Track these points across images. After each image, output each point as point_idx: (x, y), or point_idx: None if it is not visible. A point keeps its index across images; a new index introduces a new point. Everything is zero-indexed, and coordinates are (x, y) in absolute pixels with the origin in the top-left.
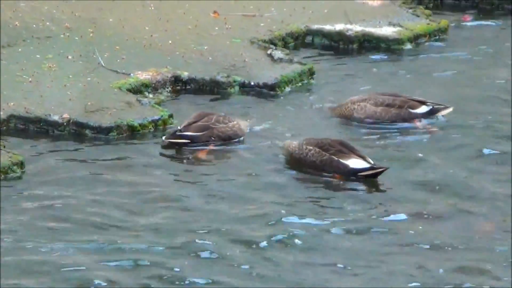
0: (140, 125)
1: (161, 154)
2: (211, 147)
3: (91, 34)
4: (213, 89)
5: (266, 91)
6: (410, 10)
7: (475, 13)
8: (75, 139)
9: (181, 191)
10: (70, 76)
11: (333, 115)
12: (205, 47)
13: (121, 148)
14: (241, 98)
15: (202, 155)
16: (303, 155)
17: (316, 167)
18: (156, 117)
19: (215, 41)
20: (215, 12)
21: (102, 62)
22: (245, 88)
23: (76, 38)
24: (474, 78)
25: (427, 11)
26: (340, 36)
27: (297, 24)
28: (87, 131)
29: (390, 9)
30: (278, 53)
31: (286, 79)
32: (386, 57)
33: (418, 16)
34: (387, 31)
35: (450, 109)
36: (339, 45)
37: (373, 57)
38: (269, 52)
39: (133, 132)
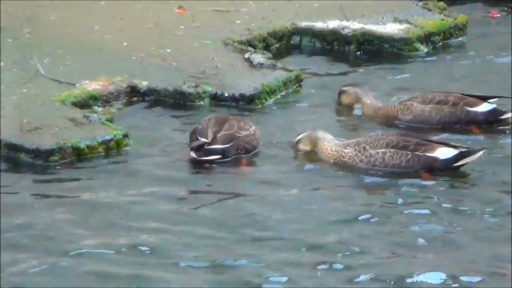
0: (88, 147)
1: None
2: (244, 162)
3: (27, 35)
4: (178, 101)
5: (244, 104)
6: (420, 3)
7: (506, 7)
8: (7, 165)
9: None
10: (2, 87)
11: (372, 116)
12: (168, 50)
13: (65, 175)
14: (212, 112)
15: (245, 169)
16: (373, 160)
17: (398, 168)
18: (107, 137)
19: (180, 42)
20: (180, 7)
21: (41, 69)
22: (217, 100)
23: (9, 40)
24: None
25: (442, 4)
26: (334, 36)
27: (281, 21)
28: (22, 155)
29: (396, 2)
30: (258, 57)
31: (268, 89)
32: (392, 61)
33: (430, 10)
34: (392, 28)
35: None
36: (333, 47)
37: (375, 61)
38: (247, 56)
39: (79, 156)
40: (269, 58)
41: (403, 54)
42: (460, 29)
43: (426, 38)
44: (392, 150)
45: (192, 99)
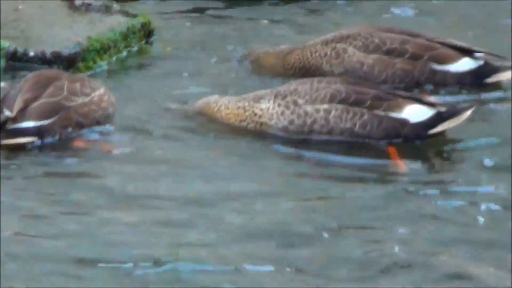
0: None
1: None
2: (79, 141)
3: None
4: None
5: (60, 68)
6: None
7: None
8: None
9: None
10: None
11: (268, 67)
12: None
13: None
14: (8, 80)
15: (80, 144)
16: (318, 124)
17: (348, 136)
18: None
19: None
20: None
21: None
22: (19, 61)
23: None
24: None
25: None
26: None
27: None
28: None
29: None
30: None
31: (99, 46)
32: None
33: None
34: None
35: None
36: None
37: None
38: None
39: None
40: None
41: None
42: None
43: None
44: (339, 106)
45: None
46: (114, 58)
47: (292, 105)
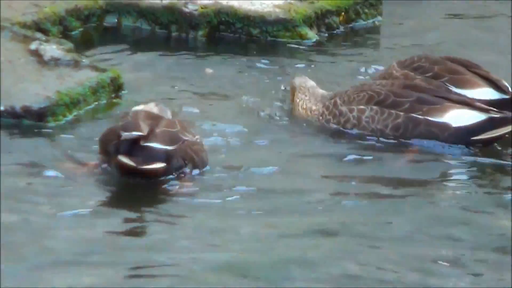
0: None
1: None
2: (187, 181)
3: None
4: None
5: (29, 122)
6: None
7: None
8: None
9: None
10: None
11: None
12: None
13: None
14: None
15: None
16: (351, 123)
17: (380, 135)
18: None
19: None
20: None
21: None
22: None
23: None
24: None
25: None
26: (171, 15)
27: None
28: None
29: None
30: (51, 49)
31: (68, 100)
32: (264, 55)
33: None
34: (263, 5)
35: None
36: (171, 32)
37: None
38: (34, 46)
39: None
40: (69, 51)
41: (281, 43)
42: (372, 5)
43: (318, 20)
44: (374, 107)
45: None
46: (83, 111)
47: (332, 105)
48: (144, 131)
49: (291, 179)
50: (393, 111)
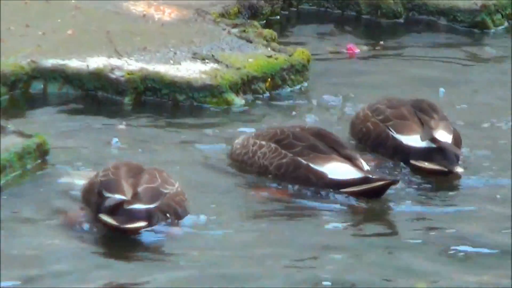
0: None
1: None
2: (176, 228)
3: None
4: None
5: None
6: (235, 31)
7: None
8: None
9: None
10: None
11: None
12: None
13: None
14: None
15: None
16: (247, 156)
17: (273, 175)
18: None
19: None
20: None
21: None
22: None
23: None
24: None
25: (268, 32)
26: (98, 81)
27: (12, 57)
28: None
29: (196, 28)
30: None
31: None
32: (187, 119)
33: (250, 41)
34: (190, 70)
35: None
36: (97, 97)
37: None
38: None
39: None
40: None
41: (207, 109)
42: (299, 71)
43: (244, 86)
44: (273, 145)
45: None
46: (8, 177)
47: (246, 140)
48: (127, 195)
49: None
50: (283, 151)
